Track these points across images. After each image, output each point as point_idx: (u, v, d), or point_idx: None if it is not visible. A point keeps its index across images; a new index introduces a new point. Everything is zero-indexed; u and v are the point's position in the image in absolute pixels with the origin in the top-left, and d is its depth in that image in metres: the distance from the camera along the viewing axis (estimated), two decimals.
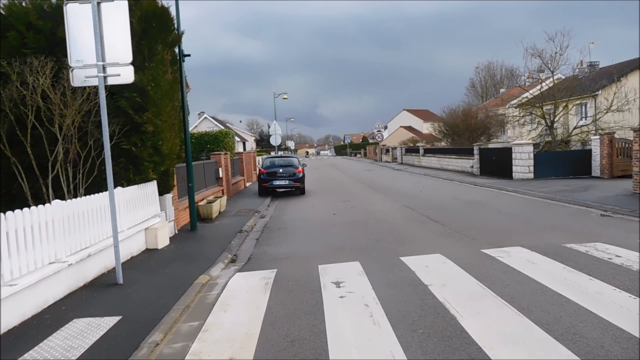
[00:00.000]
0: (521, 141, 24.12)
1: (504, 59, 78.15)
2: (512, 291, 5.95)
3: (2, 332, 5.28)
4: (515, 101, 32.06)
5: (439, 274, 6.91)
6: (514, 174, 22.06)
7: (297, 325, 5.21)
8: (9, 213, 5.67)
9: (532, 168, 21.47)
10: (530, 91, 28.46)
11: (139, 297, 6.48)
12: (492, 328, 4.84)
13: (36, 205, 6.39)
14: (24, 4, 9.45)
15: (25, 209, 6.04)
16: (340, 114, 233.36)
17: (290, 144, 75.80)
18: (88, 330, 5.32)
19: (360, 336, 4.81)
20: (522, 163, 21.72)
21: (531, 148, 21.86)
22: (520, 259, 7.52)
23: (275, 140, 36.74)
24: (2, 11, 9.37)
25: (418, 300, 5.81)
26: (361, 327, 5.04)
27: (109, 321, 5.56)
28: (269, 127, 51.04)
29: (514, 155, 22.19)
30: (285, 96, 47.53)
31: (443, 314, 5.31)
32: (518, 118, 29.14)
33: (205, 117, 59.52)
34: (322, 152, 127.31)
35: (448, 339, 4.63)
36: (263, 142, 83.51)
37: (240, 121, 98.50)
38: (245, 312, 5.76)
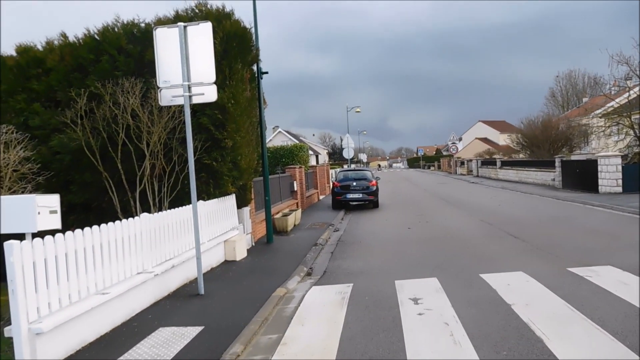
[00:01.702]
0: (608, 153, 22.50)
1: (586, 67, 73.62)
2: (604, 314, 5.53)
3: (94, 339, 5.63)
4: (599, 111, 30.09)
5: (522, 292, 6.57)
6: (600, 187, 20.60)
7: (375, 342, 5.15)
8: (102, 225, 6.09)
9: (620, 181, 19.94)
10: (617, 100, 26.56)
11: (219, 308, 6.70)
12: (583, 353, 4.52)
13: (125, 217, 6.82)
14: (115, 29, 10.22)
15: (117, 222, 6.46)
16: (412, 126, 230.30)
17: (363, 157, 75.64)
18: (173, 339, 5.57)
19: (441, 356, 4.67)
20: (609, 176, 20.23)
21: (619, 160, 20.31)
22: (611, 279, 6.99)
23: (348, 154, 36.88)
24: (97, 37, 10.20)
25: (501, 320, 5.55)
26: (441, 347, 4.89)
27: (192, 331, 5.79)
28: (341, 140, 51.49)
29: (599, 168, 20.73)
30: (358, 109, 47.70)
31: (528, 335, 5.03)
32: (603, 128, 27.25)
33: (280, 131, 61.08)
34: (394, 165, 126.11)
35: None
36: (335, 155, 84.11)
37: (313, 134, 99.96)
38: (323, 327, 5.78)
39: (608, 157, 20.70)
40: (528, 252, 9.42)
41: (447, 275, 7.86)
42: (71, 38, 10.30)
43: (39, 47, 10.37)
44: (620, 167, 20.09)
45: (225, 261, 9.93)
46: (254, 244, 11.90)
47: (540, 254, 9.16)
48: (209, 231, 9.32)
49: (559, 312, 5.71)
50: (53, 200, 5.54)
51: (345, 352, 4.95)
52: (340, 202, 19.74)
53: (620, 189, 19.82)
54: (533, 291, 6.66)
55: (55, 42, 10.32)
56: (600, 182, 20.67)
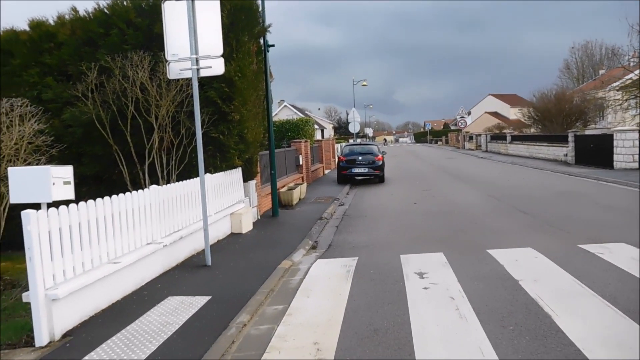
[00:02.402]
0: (624, 127, 22.13)
1: (603, 37, 71.83)
2: (615, 290, 5.51)
3: (106, 306, 5.76)
4: (617, 83, 29.37)
5: (530, 268, 6.57)
6: (615, 162, 20.35)
7: (379, 315, 5.19)
8: (114, 197, 6.16)
9: (637, 157, 19.63)
10: (636, 72, 25.93)
11: (226, 279, 6.79)
12: (593, 329, 4.51)
13: (134, 189, 6.88)
14: (124, 3, 10.13)
15: (128, 194, 6.52)
16: (419, 100, 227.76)
17: (369, 131, 75.24)
18: (181, 307, 5.66)
19: (446, 330, 4.69)
20: (625, 151, 19.94)
21: (637, 134, 19.93)
22: (623, 256, 6.94)
23: (354, 128, 36.73)
24: (106, 11, 10.13)
25: (508, 296, 5.56)
26: (447, 321, 4.92)
27: (200, 300, 5.88)
28: (347, 114, 51.17)
29: (615, 143, 20.41)
30: (364, 83, 47.22)
31: (536, 311, 5.04)
32: (621, 102, 26.73)
33: (285, 105, 60.73)
34: (400, 140, 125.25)
35: (542, 338, 4.39)
36: (341, 130, 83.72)
37: (319, 109, 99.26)
38: (328, 299, 5.84)
39: (625, 132, 20.36)
40: (537, 228, 9.39)
41: (453, 250, 7.87)
42: (81, 12, 10.35)
43: (51, 21, 10.43)
44: (637, 142, 19.75)
45: (232, 233, 10.02)
46: (259, 217, 11.97)
47: (550, 230, 9.12)
48: (216, 204, 9.38)
49: (568, 289, 5.70)
50: (67, 172, 5.63)
51: (350, 323, 5.00)
52: (346, 176, 19.72)
53: (636, 165, 19.55)
54: (542, 267, 6.64)
55: (67, 17, 10.38)
56: (615, 157, 20.40)
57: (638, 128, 21.38)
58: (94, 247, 5.71)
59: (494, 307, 5.23)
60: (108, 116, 9.17)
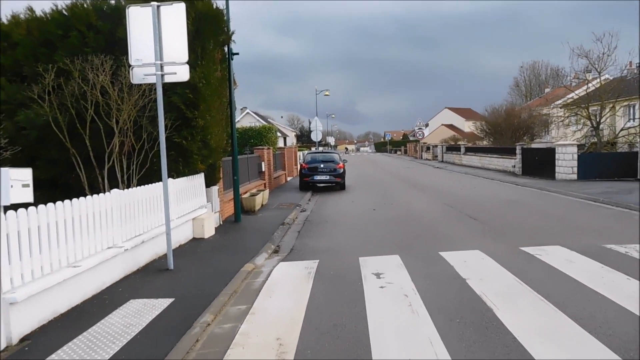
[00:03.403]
0: (565, 142, 23.54)
1: (549, 59, 75.87)
2: (549, 288, 6.04)
3: (66, 310, 5.77)
4: (560, 101, 31.28)
5: (477, 269, 7.05)
6: (556, 174, 21.61)
7: (339, 312, 5.49)
8: (74, 200, 6.17)
9: (575, 169, 20.97)
10: (576, 92, 27.66)
11: (189, 282, 6.90)
12: (527, 321, 4.99)
13: (92, 194, 6.89)
14: (85, 5, 10.06)
15: (88, 197, 6.54)
16: (379, 111, 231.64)
17: (331, 140, 76.02)
18: (144, 310, 5.76)
19: (400, 323, 5.05)
20: (566, 164, 21.24)
21: (575, 149, 21.34)
22: (558, 257, 7.55)
23: (316, 136, 37.14)
24: (65, 12, 10.03)
25: (456, 293, 5.99)
26: (400, 316, 5.27)
27: (163, 302, 5.98)
28: (309, 122, 51.57)
29: (557, 156, 21.72)
30: (327, 92, 47.81)
31: (480, 306, 5.48)
32: (563, 118, 28.43)
33: (248, 112, 60.57)
34: (362, 149, 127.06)
35: (484, 328, 4.81)
36: (303, 138, 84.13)
37: (282, 117, 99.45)
38: (290, 299, 6.09)
39: (565, 146, 21.69)
40: (485, 233, 9.97)
41: (408, 252, 8.28)
42: (38, 12, 10.12)
43: (4, 20, 10.15)
44: (576, 156, 21.11)
45: (194, 238, 10.09)
46: (222, 222, 12.07)
47: (496, 235, 9.71)
48: (178, 209, 9.45)
49: (509, 286, 6.19)
50: (26, 174, 5.57)
51: (311, 320, 5.27)
52: (308, 183, 20.02)
53: (575, 177, 20.85)
54: (487, 268, 7.14)
55: (22, 16, 10.12)
56: (557, 169, 21.66)
57: (577, 143, 22.81)
58: (53, 251, 5.68)
59: (443, 303, 5.64)
60: (66, 119, 9.04)
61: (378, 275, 6.92)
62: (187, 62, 7.53)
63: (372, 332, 4.82)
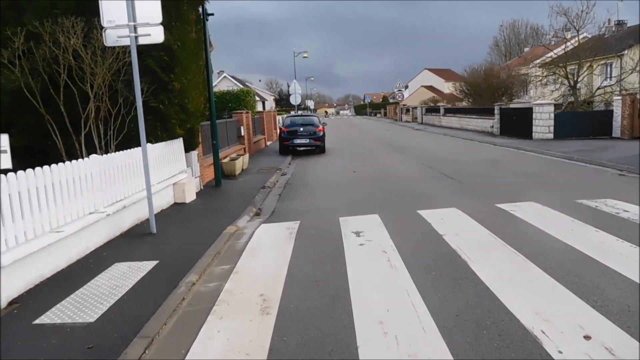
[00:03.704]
0: (542, 101, 23.84)
1: (529, 17, 75.69)
2: (521, 241, 6.31)
3: (52, 274, 5.84)
4: (538, 61, 31.45)
5: (453, 225, 7.29)
6: (533, 134, 21.98)
7: (320, 269, 5.68)
8: (53, 166, 6.16)
9: (552, 128, 21.34)
10: (555, 51, 27.86)
11: (172, 245, 7.01)
12: (499, 271, 5.25)
13: (70, 161, 6.85)
14: None
15: (67, 163, 6.52)
16: (359, 73, 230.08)
17: (310, 104, 75.54)
18: (129, 272, 5.86)
19: (379, 278, 5.26)
20: (542, 123, 21.59)
21: (552, 108, 21.65)
22: (532, 212, 7.84)
23: (295, 100, 36.82)
24: None
25: (433, 248, 6.22)
26: (379, 270, 5.49)
27: (148, 265, 6.09)
28: (288, 86, 50.96)
29: (534, 116, 22.02)
30: (305, 54, 47.14)
31: (455, 259, 5.72)
32: (541, 78, 28.66)
33: (225, 76, 59.58)
34: (341, 112, 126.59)
35: (458, 279, 5.06)
36: (282, 102, 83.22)
37: (260, 80, 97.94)
38: (272, 258, 6.25)
39: (542, 106, 21.98)
40: (463, 192, 10.22)
41: (387, 212, 8.48)
42: None
43: None
44: (552, 115, 21.44)
45: (175, 203, 10.13)
46: (202, 187, 12.10)
47: (473, 193, 9.97)
48: (158, 174, 9.44)
49: (483, 240, 6.45)
50: (3, 140, 5.55)
51: (294, 277, 5.45)
52: (288, 147, 20.03)
53: (552, 136, 21.24)
54: (463, 224, 7.39)
55: None
56: (534, 129, 22.00)
57: (554, 102, 23.13)
58: (36, 216, 5.71)
59: (420, 257, 5.87)
60: (38, 84, 8.84)
61: (358, 233, 7.11)
62: (161, 23, 7.38)
63: (352, 287, 5.01)
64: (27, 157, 9.38)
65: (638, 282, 4.51)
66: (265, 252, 6.58)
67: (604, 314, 4.11)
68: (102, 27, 7.46)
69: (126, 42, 7.35)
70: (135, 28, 7.27)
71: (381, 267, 5.60)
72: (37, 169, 5.82)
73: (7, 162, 5.67)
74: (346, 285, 5.08)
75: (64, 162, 6.70)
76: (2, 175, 5.19)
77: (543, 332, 3.82)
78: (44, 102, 8.93)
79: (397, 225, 7.50)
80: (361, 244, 6.55)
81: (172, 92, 9.62)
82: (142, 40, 7.41)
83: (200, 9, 11.30)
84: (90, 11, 8.55)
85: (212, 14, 11.85)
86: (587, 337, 3.71)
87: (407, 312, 4.33)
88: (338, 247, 6.50)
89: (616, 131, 20.54)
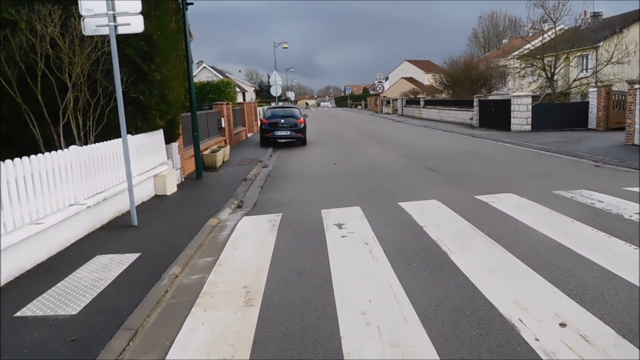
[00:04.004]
0: (520, 93, 24.20)
1: (508, 8, 76.43)
2: (500, 231, 6.46)
3: (32, 266, 5.78)
4: (516, 52, 31.89)
5: (433, 217, 7.41)
6: (512, 125, 22.32)
7: (303, 260, 5.73)
8: (32, 157, 6.06)
9: (529, 120, 21.70)
10: (532, 42, 28.32)
11: (154, 237, 6.98)
12: (479, 261, 5.37)
13: (48, 152, 6.76)
14: None
15: (47, 154, 6.43)
16: (339, 64, 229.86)
17: (291, 95, 75.30)
18: (111, 264, 5.83)
19: (361, 268, 5.34)
20: (520, 115, 21.93)
21: (529, 100, 22.00)
22: (509, 203, 8.01)
23: (275, 91, 36.64)
24: None
25: (413, 239, 6.33)
26: (361, 261, 5.57)
27: (130, 257, 6.07)
28: (268, 77, 50.67)
29: (512, 107, 22.34)
30: (285, 45, 46.84)
31: (435, 250, 5.83)
32: (519, 70, 29.06)
33: (205, 67, 58.82)
34: (322, 104, 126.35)
35: (439, 270, 5.17)
36: (263, 93, 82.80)
37: (240, 71, 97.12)
38: (255, 250, 6.28)
39: (520, 97, 22.32)
40: (442, 183, 10.37)
41: (369, 204, 8.57)
42: None
43: None
44: (530, 107, 21.78)
45: (156, 195, 10.06)
46: (183, 179, 12.02)
47: (453, 185, 10.12)
48: (138, 166, 9.35)
49: (463, 231, 6.58)
50: None
51: (277, 268, 5.50)
52: (269, 139, 19.99)
53: (529, 127, 21.59)
54: (443, 215, 7.51)
55: None
56: (512, 120, 22.33)
57: (532, 94, 23.50)
58: (15, 208, 5.64)
59: (401, 248, 5.97)
60: (15, 73, 8.66)
61: (340, 225, 7.18)
62: (141, 12, 7.29)
63: (335, 278, 5.08)
64: (4, 147, 9.23)
65: (638, 284, 4.57)
66: (248, 244, 6.60)
67: (578, 302, 4.25)
68: (80, 16, 7.32)
69: (105, 31, 7.25)
70: (114, 17, 7.17)
71: (363, 258, 5.68)
72: (17, 159, 5.73)
73: None
74: (329, 276, 5.15)
75: (42, 152, 6.60)
76: None
77: (520, 320, 3.94)
78: (21, 92, 8.75)
79: (379, 217, 7.59)
80: (343, 236, 6.62)
81: (152, 83, 9.51)
82: (122, 30, 7.31)
83: None
84: None
85: (192, 3, 11.74)
86: (562, 325, 3.85)
87: (389, 303, 4.42)
88: (320, 239, 6.56)
89: (592, 123, 21.00)
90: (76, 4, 7.29)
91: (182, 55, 11.27)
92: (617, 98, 20.43)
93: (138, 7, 7.25)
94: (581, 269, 5.00)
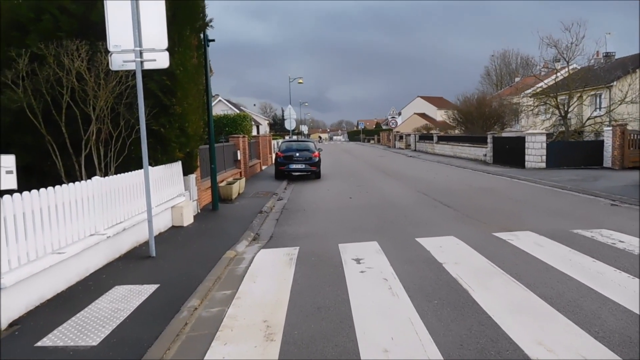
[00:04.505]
0: (534, 131, 24.23)
1: (519, 48, 77.47)
2: (520, 270, 6.38)
3: (52, 295, 5.81)
4: (529, 90, 32.02)
5: (452, 253, 7.35)
6: (526, 163, 22.28)
7: (322, 295, 5.69)
8: (57, 187, 6.18)
9: (544, 157, 21.66)
10: (545, 81, 28.47)
11: (172, 269, 6.99)
12: (500, 300, 5.30)
13: (69, 182, 6.87)
14: None
15: (71, 184, 6.55)
16: (351, 99, 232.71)
17: (304, 129, 76.11)
18: (130, 295, 5.84)
19: (381, 305, 5.28)
20: (535, 152, 21.91)
21: (544, 138, 22.02)
22: (528, 241, 7.93)
23: (290, 125, 37.14)
24: None
25: (433, 276, 6.27)
26: (381, 297, 5.51)
27: (149, 288, 6.07)
28: (282, 111, 51.41)
29: (527, 145, 22.36)
30: (300, 80, 47.72)
31: (456, 287, 5.77)
32: (532, 107, 29.17)
33: (220, 100, 59.87)
34: (335, 138, 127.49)
35: (460, 308, 5.10)
36: (276, 126, 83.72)
37: (255, 104, 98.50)
38: (273, 283, 6.26)
39: (534, 135, 22.35)
40: (458, 219, 10.32)
41: (386, 239, 8.54)
42: None
43: None
44: (544, 145, 21.79)
45: (173, 226, 10.12)
46: (200, 210, 12.10)
47: (469, 221, 10.06)
48: (157, 197, 9.45)
49: (483, 269, 6.51)
50: (9, 161, 5.59)
51: (296, 303, 5.46)
52: (283, 172, 20.13)
53: (544, 165, 21.55)
54: (462, 252, 7.45)
55: None
56: (527, 158, 22.32)
57: (546, 132, 23.52)
58: (38, 238, 5.71)
59: (421, 285, 5.91)
60: (40, 105, 8.90)
61: (358, 260, 7.15)
62: (167, 49, 7.53)
63: (355, 314, 5.03)
64: (26, 176, 9.40)
65: (638, 313, 4.56)
66: (266, 277, 6.59)
67: (606, 344, 4.16)
68: (107, 51, 7.58)
69: (132, 66, 7.48)
70: (141, 53, 7.41)
71: (383, 294, 5.63)
72: (42, 190, 5.84)
73: (12, 182, 5.68)
74: (349, 312, 5.10)
75: (63, 182, 6.72)
76: (7, 196, 5.21)
77: None
78: (45, 123, 8.98)
79: (397, 252, 7.55)
80: (362, 271, 6.59)
81: (173, 116, 9.72)
82: (148, 65, 7.54)
83: (202, 35, 11.50)
84: (94, 34, 8.71)
85: (213, 40, 12.08)
86: None
87: (412, 341, 4.35)
88: (339, 273, 6.53)
89: (607, 161, 20.89)
90: (103, 40, 7.55)
91: (202, 89, 11.54)
92: (632, 137, 20.38)
93: (164, 43, 7.50)
94: (606, 311, 4.91)
